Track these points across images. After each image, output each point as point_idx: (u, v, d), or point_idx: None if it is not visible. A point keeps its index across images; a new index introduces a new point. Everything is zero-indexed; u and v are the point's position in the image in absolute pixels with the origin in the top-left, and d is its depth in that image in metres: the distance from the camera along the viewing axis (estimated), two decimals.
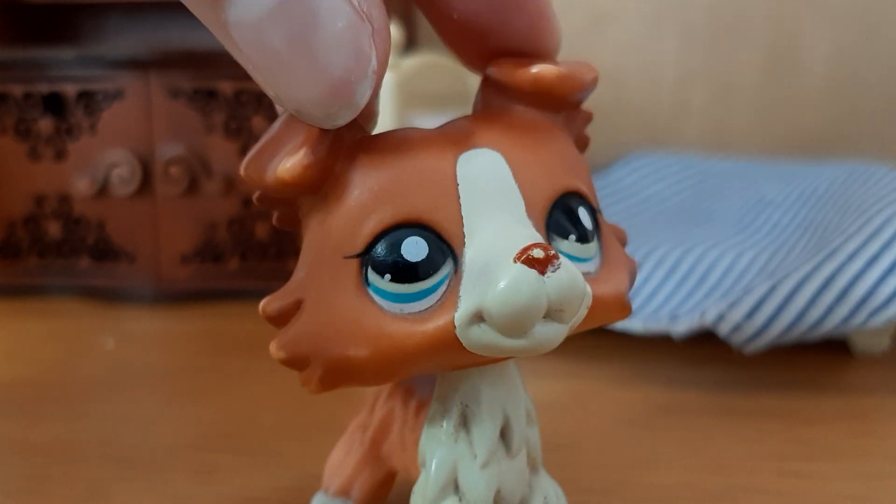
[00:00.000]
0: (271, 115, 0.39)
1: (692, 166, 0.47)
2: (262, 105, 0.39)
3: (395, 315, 0.13)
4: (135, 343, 0.35)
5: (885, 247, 0.28)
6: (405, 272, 0.13)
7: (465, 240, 0.13)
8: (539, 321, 0.13)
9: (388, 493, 0.19)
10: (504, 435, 0.15)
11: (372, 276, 0.13)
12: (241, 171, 0.14)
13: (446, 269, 0.13)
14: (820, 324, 0.28)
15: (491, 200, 0.14)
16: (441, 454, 0.15)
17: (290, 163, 0.13)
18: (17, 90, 0.40)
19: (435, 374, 0.16)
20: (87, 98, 0.40)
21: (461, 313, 0.13)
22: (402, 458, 0.17)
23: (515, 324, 0.13)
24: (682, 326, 0.29)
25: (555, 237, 0.14)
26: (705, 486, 0.22)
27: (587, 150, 0.17)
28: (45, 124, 0.40)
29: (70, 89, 0.40)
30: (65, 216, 0.41)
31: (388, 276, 0.13)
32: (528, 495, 0.16)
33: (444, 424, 0.15)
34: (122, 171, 0.40)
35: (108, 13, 0.52)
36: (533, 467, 0.16)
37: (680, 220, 0.41)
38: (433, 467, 0.15)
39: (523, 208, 0.14)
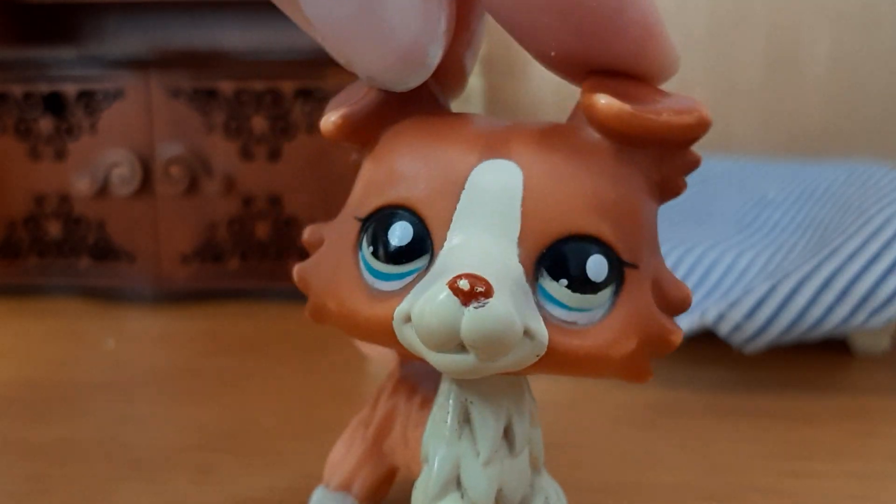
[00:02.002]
0: (271, 115, 0.39)
1: None
2: (263, 105, 0.39)
3: (366, 286, 0.14)
4: (135, 343, 0.35)
5: (885, 247, 0.28)
6: (384, 252, 0.14)
7: (445, 242, 0.13)
8: (454, 347, 0.13)
9: (389, 490, 0.19)
10: (507, 434, 0.15)
11: (364, 244, 0.14)
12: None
13: (421, 262, 0.14)
14: (820, 324, 0.28)
15: (485, 214, 0.13)
16: (444, 451, 0.15)
17: (330, 118, 0.15)
18: (17, 90, 0.40)
19: (439, 371, 0.16)
20: (87, 98, 0.40)
21: (399, 309, 0.13)
22: (405, 455, 0.17)
23: (428, 339, 0.13)
24: (682, 326, 0.29)
25: (544, 275, 0.13)
26: (705, 486, 0.22)
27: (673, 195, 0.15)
28: (46, 124, 0.40)
29: (70, 89, 0.40)
30: (65, 216, 0.41)
31: (370, 249, 0.14)
32: (529, 495, 0.16)
33: (448, 421, 0.15)
34: (122, 170, 0.40)
35: (108, 13, 0.52)
36: (535, 467, 0.16)
37: (680, 220, 0.41)
38: (436, 464, 0.15)
39: (516, 234, 0.13)
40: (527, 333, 0.13)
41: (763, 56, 0.54)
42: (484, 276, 0.12)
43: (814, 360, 0.31)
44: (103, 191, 0.40)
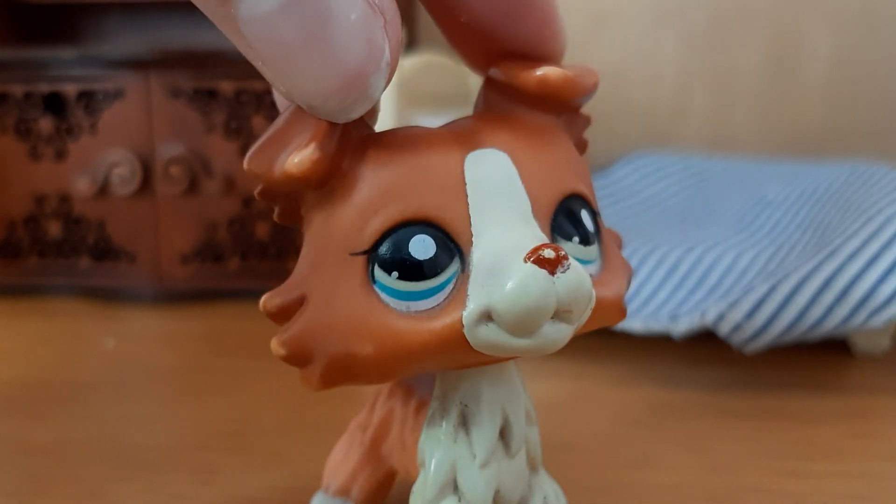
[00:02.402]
0: (271, 115, 0.39)
1: (692, 166, 0.47)
2: (262, 105, 0.39)
3: (401, 313, 0.13)
4: (135, 343, 0.35)
5: (885, 247, 0.28)
6: (412, 270, 0.13)
7: (473, 239, 0.13)
8: (547, 321, 0.13)
9: (387, 493, 0.19)
10: (503, 435, 0.15)
11: (378, 273, 0.13)
12: (245, 164, 0.14)
13: (454, 267, 0.13)
14: (820, 324, 0.28)
15: (498, 200, 0.14)
16: (440, 454, 0.15)
17: (298, 157, 0.13)
18: (17, 90, 0.40)
19: (435, 374, 0.16)
20: (87, 98, 0.40)
21: (470, 312, 0.13)
22: (402, 458, 0.17)
23: (524, 323, 0.13)
24: (682, 326, 0.29)
25: (559, 239, 0.14)
26: (705, 486, 0.22)
27: (587, 151, 0.17)
28: (46, 124, 0.40)
29: (70, 89, 0.40)
30: (65, 216, 0.41)
31: (395, 274, 0.13)
32: (527, 495, 0.16)
33: (444, 424, 0.15)
34: (122, 170, 0.40)
35: (108, 13, 0.52)
36: (533, 467, 0.16)
37: (680, 220, 0.41)
38: (432, 467, 0.15)
39: (530, 209, 0.14)
40: None
41: (763, 56, 0.54)
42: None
43: (814, 360, 0.31)
44: (103, 191, 0.40)
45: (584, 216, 0.15)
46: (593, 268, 0.15)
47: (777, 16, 0.54)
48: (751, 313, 0.28)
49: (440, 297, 0.13)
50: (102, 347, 0.34)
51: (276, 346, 0.14)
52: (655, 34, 0.55)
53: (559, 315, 0.13)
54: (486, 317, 0.13)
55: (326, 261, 0.14)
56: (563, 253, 0.13)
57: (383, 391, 0.18)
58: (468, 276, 0.13)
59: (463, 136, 0.14)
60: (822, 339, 0.30)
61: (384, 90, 0.13)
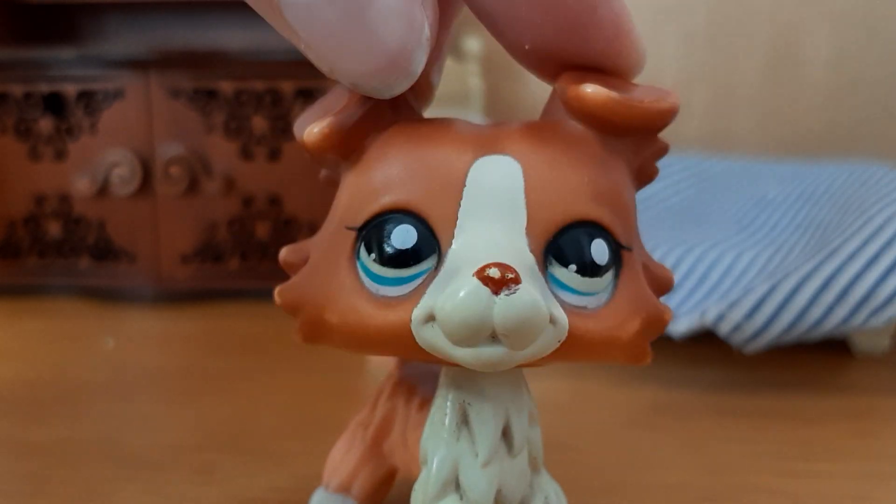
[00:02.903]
0: (271, 115, 0.39)
1: (692, 166, 0.47)
2: (262, 105, 0.39)
3: (370, 294, 0.14)
4: (135, 343, 0.35)
5: (885, 247, 0.28)
6: (389, 256, 0.14)
7: (453, 240, 0.13)
8: (484, 339, 0.13)
9: (388, 491, 0.19)
10: (506, 434, 0.15)
11: (362, 252, 0.14)
12: (294, 129, 0.15)
13: (429, 263, 0.13)
14: (820, 324, 0.28)
15: (491, 208, 0.13)
16: (442, 452, 0.15)
17: (315, 128, 0.14)
18: (17, 90, 0.40)
19: (438, 372, 0.16)
20: (87, 98, 0.40)
21: (418, 310, 0.13)
22: (404, 456, 0.17)
23: (457, 335, 0.13)
24: (682, 326, 0.29)
25: (553, 262, 0.14)
26: (705, 486, 0.22)
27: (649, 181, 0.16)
28: (46, 124, 0.40)
29: (70, 89, 0.40)
30: (65, 216, 0.41)
31: (373, 255, 0.14)
32: (528, 495, 0.16)
33: (446, 422, 0.15)
34: (122, 170, 0.40)
35: (108, 13, 0.52)
36: (534, 467, 0.16)
37: (680, 220, 0.41)
38: (434, 465, 0.15)
39: (523, 224, 0.13)
40: (550, 319, 0.13)
41: (763, 56, 0.54)
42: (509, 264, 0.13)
43: (814, 360, 0.31)
44: (103, 191, 0.40)
45: (596, 246, 0.14)
46: (593, 300, 0.14)
47: (777, 16, 0.54)
48: (751, 313, 0.28)
49: (407, 287, 0.14)
50: (102, 347, 0.34)
51: (276, 293, 0.15)
52: (655, 34, 0.55)
53: (497, 337, 0.13)
54: (431, 318, 0.13)
55: (330, 227, 0.15)
56: (511, 276, 0.12)
57: (385, 389, 0.18)
58: (436, 275, 0.13)
59: (487, 139, 0.14)
60: (822, 339, 0.30)
61: (424, 64, 0.13)
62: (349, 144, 0.14)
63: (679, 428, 0.26)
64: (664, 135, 0.15)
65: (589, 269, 0.14)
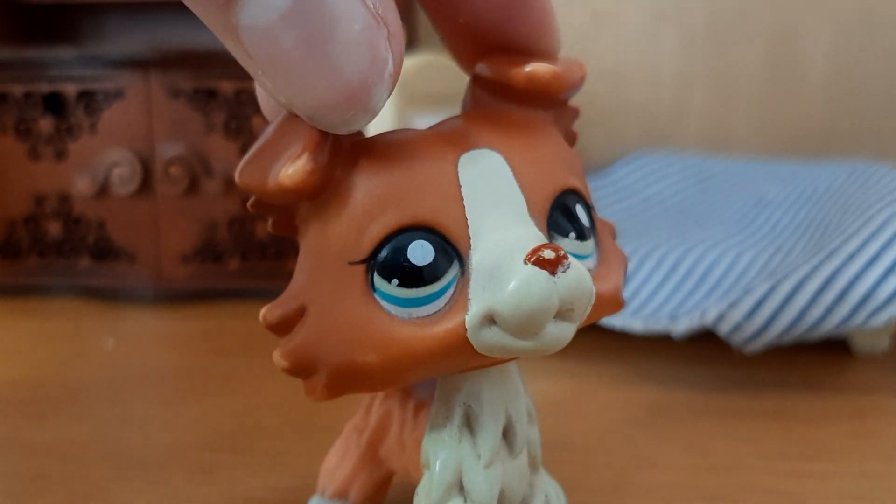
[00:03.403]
0: None
1: (692, 166, 0.47)
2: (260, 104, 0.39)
3: (403, 320, 0.13)
4: (135, 343, 0.35)
5: (885, 247, 0.28)
6: (412, 276, 0.13)
7: (471, 241, 0.13)
8: (550, 321, 0.13)
9: (385, 495, 0.19)
10: (506, 435, 0.15)
11: (378, 281, 0.13)
12: (237, 177, 0.14)
13: (453, 271, 0.13)
14: (820, 324, 0.28)
15: (494, 201, 0.14)
16: (445, 455, 0.15)
17: (291, 169, 0.13)
18: (17, 90, 0.40)
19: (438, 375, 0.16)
20: (87, 98, 0.40)
21: (472, 316, 0.13)
22: (402, 460, 0.17)
23: (527, 325, 0.13)
24: (682, 326, 0.29)
25: (556, 236, 0.14)
26: (705, 486, 0.22)
27: (586, 149, 0.17)
28: (46, 124, 0.40)
29: (70, 89, 0.40)
30: (65, 216, 0.41)
31: (395, 281, 0.13)
32: (529, 495, 0.16)
33: (448, 425, 0.15)
34: (122, 170, 0.40)
35: (108, 13, 0.52)
36: (533, 467, 0.16)
37: (680, 220, 0.41)
38: (437, 468, 0.15)
39: (525, 208, 0.14)
40: None
41: (763, 57, 0.54)
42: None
43: (814, 360, 0.31)
44: (103, 191, 0.40)
45: (579, 211, 0.15)
46: (590, 262, 0.15)
47: (777, 16, 0.54)
48: (751, 313, 0.28)
49: (441, 301, 0.13)
50: (102, 347, 0.34)
51: (278, 358, 0.14)
52: (655, 34, 0.55)
53: (562, 314, 0.13)
54: (489, 320, 0.13)
55: (325, 270, 0.14)
56: (562, 252, 0.13)
57: (379, 394, 0.18)
58: (468, 280, 0.13)
59: (454, 137, 0.14)
60: (822, 339, 0.30)
61: (386, 101, 0.13)
62: (323, 180, 0.13)
63: (679, 428, 0.26)
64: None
65: (582, 232, 0.15)
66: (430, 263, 0.13)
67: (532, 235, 0.13)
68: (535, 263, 0.12)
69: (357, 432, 0.19)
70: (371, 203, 0.13)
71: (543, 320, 0.13)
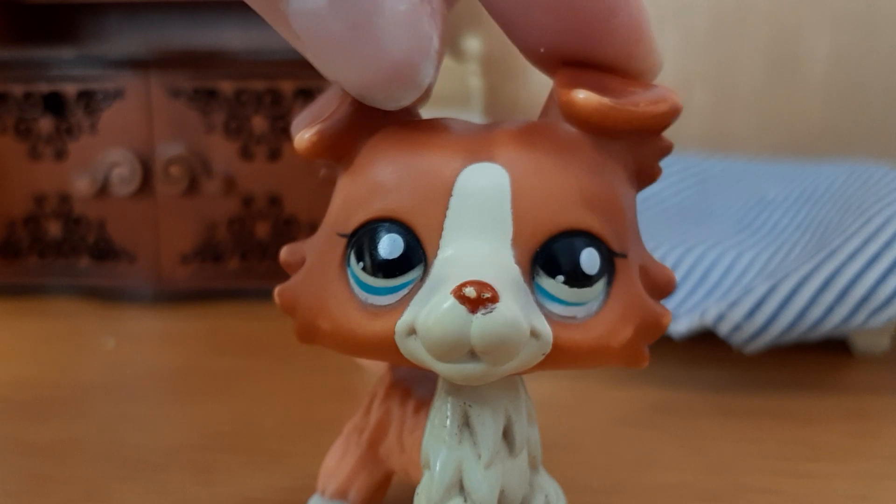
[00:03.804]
0: (271, 115, 0.39)
1: (692, 166, 0.47)
2: (262, 105, 0.39)
3: (360, 302, 0.14)
4: (135, 343, 0.35)
5: (885, 247, 0.28)
6: (376, 266, 0.14)
7: (439, 251, 0.13)
8: (464, 355, 0.13)
9: (384, 495, 0.19)
10: (506, 434, 0.15)
11: (352, 259, 0.14)
12: (291, 130, 0.15)
13: (415, 273, 0.13)
14: (820, 324, 0.28)
15: (476, 219, 0.13)
16: (445, 455, 0.15)
17: (305, 134, 0.14)
18: (17, 90, 0.40)
19: (434, 375, 0.16)
20: (87, 98, 0.40)
21: (401, 322, 0.13)
22: (401, 460, 0.17)
23: (436, 350, 0.13)
24: (682, 326, 0.29)
25: (540, 273, 0.13)
26: (705, 486, 0.22)
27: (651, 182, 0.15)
28: (45, 124, 0.40)
29: (70, 89, 0.40)
30: (65, 216, 0.41)
31: (361, 265, 0.14)
32: (529, 494, 0.16)
33: (448, 425, 0.15)
34: (122, 170, 0.40)
35: (108, 13, 0.52)
36: (533, 466, 0.16)
37: (680, 220, 0.41)
38: (438, 468, 0.15)
39: (509, 236, 0.13)
40: (533, 333, 0.13)
41: (763, 56, 0.54)
42: (488, 281, 0.12)
43: (814, 360, 0.31)
44: (103, 191, 0.40)
45: (586, 255, 0.13)
46: (581, 310, 0.14)
47: (777, 16, 0.54)
48: (751, 313, 0.28)
49: (394, 297, 0.13)
50: (102, 347, 0.34)
51: (275, 292, 0.15)
52: (655, 34, 0.55)
53: (475, 354, 0.13)
54: (413, 331, 0.13)
55: (324, 232, 0.15)
56: (488, 295, 0.12)
57: (379, 393, 0.18)
58: (422, 286, 0.13)
59: (476, 144, 0.14)
60: (822, 339, 0.30)
61: (434, 77, 0.13)
62: (341, 149, 0.14)
63: (679, 428, 0.26)
64: (667, 132, 0.15)
65: (578, 279, 0.13)
66: (395, 258, 0.13)
67: (493, 263, 0.13)
68: (455, 296, 0.12)
69: (357, 432, 0.19)
70: (369, 185, 0.14)
71: (452, 352, 0.13)
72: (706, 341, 0.30)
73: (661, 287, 0.15)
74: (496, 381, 0.15)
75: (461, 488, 0.15)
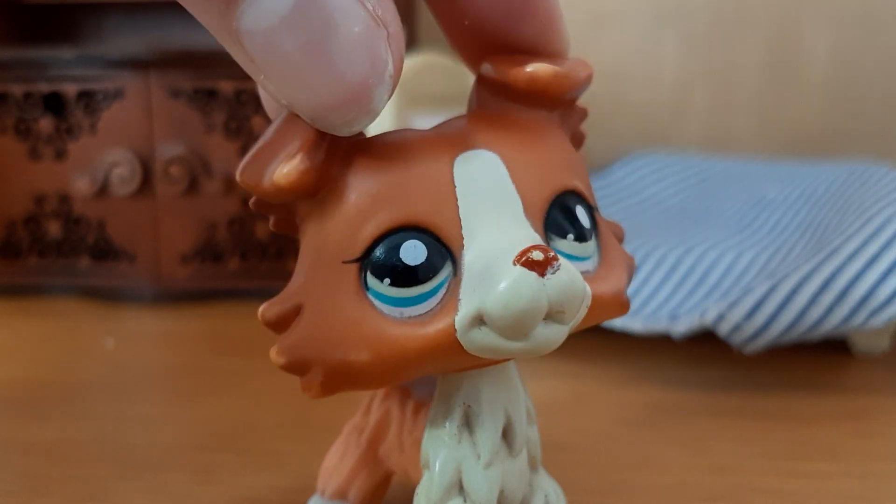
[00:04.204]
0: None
1: (692, 166, 0.48)
2: (262, 105, 0.39)
3: (395, 319, 0.13)
4: (135, 343, 0.35)
5: (885, 247, 0.28)
6: (404, 276, 0.13)
7: (464, 242, 0.13)
8: (540, 323, 0.13)
9: (384, 495, 0.19)
10: (506, 435, 0.15)
11: (371, 280, 0.13)
12: (238, 176, 0.14)
13: (445, 271, 0.13)
14: (820, 324, 0.28)
15: (489, 202, 0.14)
16: (445, 455, 0.15)
17: (286, 168, 0.13)
18: (17, 90, 0.40)
19: (433, 375, 0.16)
20: (87, 98, 0.40)
21: (462, 316, 0.13)
22: (401, 460, 0.17)
23: (516, 326, 0.13)
24: (682, 326, 0.29)
25: (553, 237, 0.14)
26: (705, 486, 0.22)
27: (586, 149, 0.17)
28: (45, 124, 0.40)
29: (70, 89, 0.40)
30: (65, 216, 0.41)
31: (387, 281, 0.13)
32: (529, 494, 0.16)
33: (447, 425, 0.15)
34: (122, 170, 0.40)
35: (108, 13, 0.52)
36: (533, 466, 0.16)
37: (680, 220, 0.41)
38: (437, 468, 0.15)
39: (521, 209, 0.14)
40: None
41: (763, 57, 0.54)
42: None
43: (814, 360, 0.31)
44: (103, 191, 0.40)
45: (580, 212, 0.14)
46: (590, 264, 0.15)
47: (777, 16, 0.54)
48: (751, 313, 0.28)
49: (433, 301, 0.13)
50: (102, 347, 0.34)
51: (274, 355, 0.14)
52: (655, 34, 0.55)
53: (552, 316, 0.13)
54: (479, 321, 0.13)
55: (321, 269, 0.14)
56: (552, 254, 0.13)
57: (378, 393, 0.18)
58: (460, 280, 0.13)
59: (453, 137, 0.14)
60: (822, 339, 0.30)
61: (386, 103, 0.13)
62: (321, 178, 0.14)
63: (679, 428, 0.26)
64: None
65: (582, 234, 0.14)
66: (422, 263, 0.13)
67: (524, 237, 0.13)
68: (523, 265, 0.12)
69: (357, 432, 0.19)
70: (366, 202, 0.13)
71: (533, 322, 0.13)
72: (706, 341, 0.30)
73: (619, 236, 0.16)
74: (496, 381, 0.15)
75: (461, 488, 0.15)
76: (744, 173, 0.46)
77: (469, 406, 0.15)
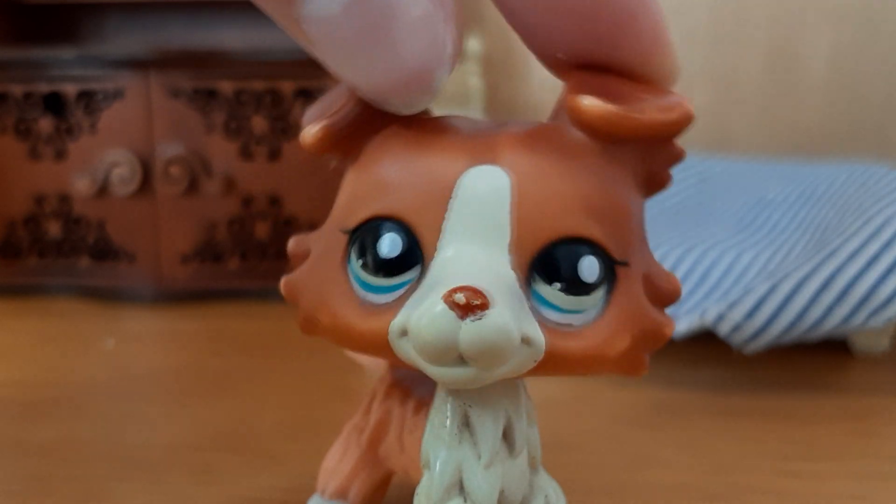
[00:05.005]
0: (271, 115, 0.39)
1: (692, 166, 0.47)
2: (262, 105, 0.39)
3: (358, 299, 0.14)
4: (135, 343, 0.35)
5: (885, 247, 0.28)
6: (374, 264, 0.14)
7: (436, 253, 0.13)
8: (453, 360, 0.13)
9: (384, 495, 0.19)
10: (506, 435, 0.15)
11: (352, 256, 0.14)
12: (302, 123, 0.15)
13: (412, 273, 0.13)
14: (820, 324, 0.28)
15: (475, 223, 0.13)
16: (445, 455, 0.15)
17: (311, 130, 0.14)
18: (17, 90, 0.40)
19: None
20: (87, 98, 0.40)
21: (394, 323, 0.13)
22: (401, 460, 0.17)
23: (426, 354, 0.13)
24: (682, 326, 0.29)
25: (537, 279, 0.13)
26: (705, 486, 0.22)
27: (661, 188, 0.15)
28: (45, 124, 0.40)
29: (70, 89, 0.40)
30: (65, 216, 0.41)
31: (360, 262, 0.14)
32: (529, 495, 0.16)
33: (447, 425, 0.15)
34: (122, 170, 0.40)
35: (108, 13, 0.52)
36: (533, 466, 0.16)
37: (680, 220, 0.41)
38: (437, 468, 0.14)
39: (507, 241, 0.13)
40: (524, 340, 0.13)
41: (763, 56, 0.54)
42: (479, 288, 0.12)
43: (814, 360, 0.31)
44: (103, 191, 0.40)
45: (586, 264, 0.13)
46: (578, 318, 0.14)
47: (777, 16, 0.54)
48: (751, 313, 0.28)
49: (392, 296, 0.13)
50: (102, 347, 0.34)
51: (281, 283, 0.15)
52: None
53: (464, 359, 0.13)
54: (405, 333, 0.13)
55: (328, 227, 0.15)
56: (478, 302, 0.12)
57: (379, 393, 0.18)
58: (418, 287, 0.13)
59: (481, 145, 0.14)
60: (822, 339, 0.30)
61: (446, 82, 0.13)
62: (346, 145, 0.14)
63: (679, 428, 0.26)
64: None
65: (576, 287, 0.13)
66: (394, 258, 0.13)
67: (488, 268, 0.13)
68: (445, 301, 0.12)
69: (357, 432, 0.19)
70: (373, 184, 0.14)
71: (441, 356, 0.13)
72: (706, 341, 0.30)
73: (665, 296, 0.15)
74: (496, 382, 0.15)
75: (461, 489, 0.15)
76: (744, 173, 0.46)
77: (469, 406, 0.15)
